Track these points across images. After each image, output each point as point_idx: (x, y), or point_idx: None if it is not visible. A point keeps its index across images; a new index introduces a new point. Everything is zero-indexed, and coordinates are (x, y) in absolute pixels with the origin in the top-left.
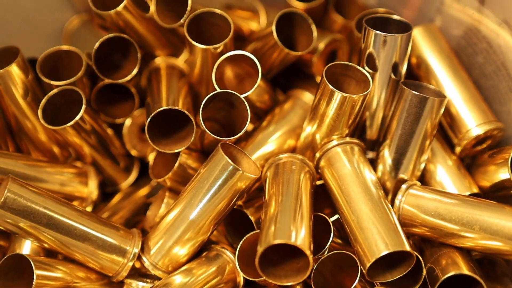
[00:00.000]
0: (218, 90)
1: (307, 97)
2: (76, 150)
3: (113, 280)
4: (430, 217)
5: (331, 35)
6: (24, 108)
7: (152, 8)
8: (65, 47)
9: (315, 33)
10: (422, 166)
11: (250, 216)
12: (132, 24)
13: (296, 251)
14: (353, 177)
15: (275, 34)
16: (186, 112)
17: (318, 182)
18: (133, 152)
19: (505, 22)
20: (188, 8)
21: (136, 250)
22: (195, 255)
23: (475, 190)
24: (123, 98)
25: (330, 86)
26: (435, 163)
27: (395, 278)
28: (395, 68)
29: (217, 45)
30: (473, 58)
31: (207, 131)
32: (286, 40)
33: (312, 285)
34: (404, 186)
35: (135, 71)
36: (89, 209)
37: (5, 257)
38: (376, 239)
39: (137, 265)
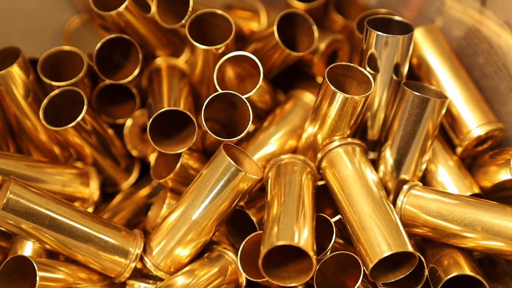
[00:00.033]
0: (220, 90)
1: (308, 97)
2: (77, 150)
3: (115, 281)
4: (432, 217)
5: (332, 36)
6: (25, 108)
7: (153, 8)
8: (66, 48)
9: (316, 34)
10: (424, 166)
11: (252, 217)
12: (133, 24)
13: (299, 252)
14: (355, 177)
15: (276, 35)
16: (188, 113)
17: (319, 183)
18: (134, 153)
19: (506, 23)
20: (190, 9)
21: (138, 251)
22: (197, 256)
23: (476, 190)
24: (124, 98)
25: (332, 87)
26: (436, 164)
27: (397, 279)
28: (397, 69)
29: (218, 46)
30: (473, 58)
31: (209, 132)
32: (287, 40)
33: (315, 286)
34: (405, 187)
35: (136, 72)
36: (90, 210)
37: (8, 259)
38: (378, 240)
39: (139, 265)
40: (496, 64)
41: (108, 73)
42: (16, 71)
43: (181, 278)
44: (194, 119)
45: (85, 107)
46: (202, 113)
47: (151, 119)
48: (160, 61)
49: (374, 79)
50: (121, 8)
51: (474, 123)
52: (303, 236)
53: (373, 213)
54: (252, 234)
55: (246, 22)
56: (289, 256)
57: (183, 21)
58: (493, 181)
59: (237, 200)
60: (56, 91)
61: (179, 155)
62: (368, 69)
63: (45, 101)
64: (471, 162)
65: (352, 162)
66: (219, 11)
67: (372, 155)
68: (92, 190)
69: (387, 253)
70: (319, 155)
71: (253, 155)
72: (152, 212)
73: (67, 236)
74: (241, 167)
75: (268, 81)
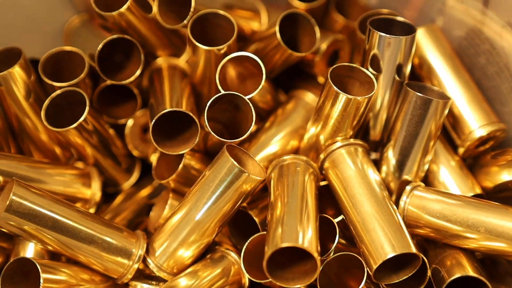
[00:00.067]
0: (222, 91)
1: (310, 97)
2: (78, 150)
3: (118, 282)
4: (435, 218)
5: (333, 36)
6: (26, 109)
7: (155, 9)
8: (67, 48)
9: (318, 34)
10: (426, 167)
11: (254, 218)
12: (134, 24)
13: (303, 253)
14: (358, 178)
15: (278, 35)
16: (191, 114)
17: (321, 183)
18: (135, 153)
19: (509, 24)
20: (191, 9)
21: (141, 252)
22: (199, 257)
23: (478, 190)
24: (125, 98)
25: (335, 88)
26: (438, 164)
27: (400, 280)
28: (399, 69)
29: (221, 47)
30: (475, 59)
31: (212, 133)
32: (288, 40)
33: (318, 287)
34: (408, 188)
35: (138, 72)
36: (92, 210)
37: (11, 261)
38: (382, 241)
39: (141, 266)
40: (498, 65)
41: (110, 74)
42: (17, 72)
43: (184, 279)
44: (197, 120)
45: (87, 108)
46: (205, 114)
47: (153, 121)
48: (161, 61)
49: (377, 79)
50: (123, 8)
51: (476, 124)
52: (307, 238)
53: (376, 214)
54: (255, 235)
55: (247, 22)
56: (293, 257)
57: (185, 22)
58: (495, 182)
59: (240, 201)
60: (58, 92)
61: (181, 155)
62: (370, 69)
63: (46, 102)
64: (472, 162)
65: (355, 163)
66: (221, 12)
67: (374, 156)
68: (94, 191)
69: (391, 255)
70: (322, 156)
71: (255, 156)
72: (154, 212)
73: (70, 238)
74: (244, 168)
75: (269, 81)
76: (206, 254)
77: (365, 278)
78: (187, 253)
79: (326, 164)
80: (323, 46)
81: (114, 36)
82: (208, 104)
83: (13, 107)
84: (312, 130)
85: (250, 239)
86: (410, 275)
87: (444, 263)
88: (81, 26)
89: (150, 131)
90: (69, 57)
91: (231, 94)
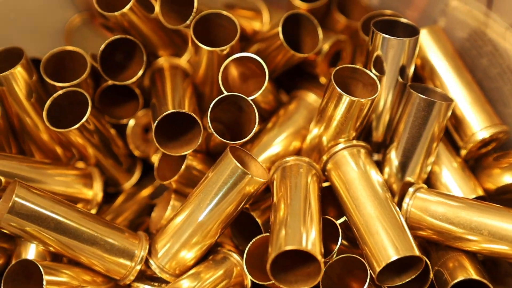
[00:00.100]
0: (225, 92)
1: (312, 98)
2: (79, 150)
3: (120, 283)
4: (438, 221)
5: (335, 36)
6: (28, 109)
7: (157, 9)
8: (69, 48)
9: (321, 35)
10: (429, 168)
11: (257, 219)
12: (136, 25)
13: (306, 255)
14: (361, 180)
15: (281, 36)
16: (194, 115)
17: (323, 184)
18: (136, 153)
19: None
20: (194, 9)
21: (144, 253)
22: (202, 258)
23: (480, 192)
24: (126, 98)
25: (339, 90)
26: (440, 165)
27: (403, 282)
28: (402, 71)
29: (223, 48)
30: (477, 60)
31: (215, 134)
32: (290, 41)
33: None
34: (411, 190)
35: (140, 73)
36: (94, 211)
37: (13, 263)
38: (386, 244)
39: (142, 267)
40: (500, 67)
41: (111, 73)
42: (19, 72)
43: (187, 281)
44: (200, 122)
45: (89, 109)
46: (208, 115)
47: (156, 122)
48: (163, 60)
49: (380, 81)
50: (126, 9)
51: (478, 126)
52: (310, 240)
53: (380, 216)
54: (258, 237)
55: (249, 22)
56: (296, 258)
57: (188, 22)
58: (497, 184)
59: (243, 203)
60: (60, 92)
61: (184, 156)
62: (373, 71)
63: (48, 102)
64: (474, 163)
65: (357, 165)
66: (224, 12)
67: (376, 157)
68: (96, 191)
69: (395, 258)
70: (325, 157)
71: (258, 157)
72: (155, 213)
73: (72, 239)
74: (247, 170)
75: (271, 81)
76: (208, 255)
77: (368, 280)
78: (189, 255)
79: (329, 166)
80: (326, 46)
81: (117, 37)
82: (211, 105)
83: (14, 107)
84: (314, 131)
85: (252, 241)
86: (412, 277)
87: (446, 265)
88: (82, 25)
89: (153, 132)
90: (70, 56)
91: (235, 95)
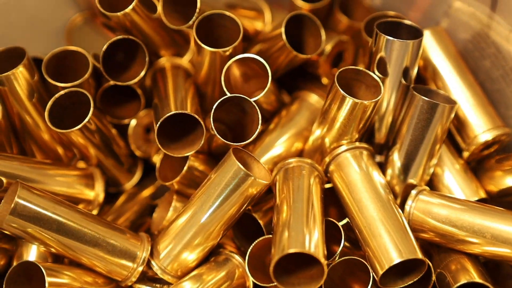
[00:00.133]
0: (228, 93)
1: (313, 98)
2: (81, 150)
3: (121, 285)
4: (441, 223)
5: (337, 37)
6: (29, 109)
7: (159, 9)
8: (71, 48)
9: (323, 36)
10: (431, 170)
11: (259, 220)
12: (139, 25)
13: (309, 257)
14: (363, 182)
15: (284, 36)
16: (197, 117)
17: (325, 186)
18: (138, 153)
19: None
20: (197, 10)
21: (146, 255)
22: (204, 260)
23: (483, 194)
24: (128, 98)
25: (342, 92)
26: (442, 167)
27: (406, 285)
28: (406, 73)
29: (226, 49)
30: (480, 62)
31: (218, 136)
32: (292, 41)
33: None
34: (414, 192)
35: (142, 73)
36: (95, 212)
37: (15, 265)
38: (389, 247)
39: (144, 268)
40: (503, 69)
41: (113, 73)
42: (21, 72)
43: (189, 282)
44: (202, 123)
45: (91, 110)
46: (211, 116)
47: (158, 123)
48: (164, 60)
49: (383, 83)
50: (128, 9)
51: (481, 128)
52: (313, 243)
53: (382, 218)
54: (260, 239)
55: (250, 22)
56: (298, 260)
57: (190, 22)
58: (499, 186)
59: (245, 205)
60: (62, 93)
61: (186, 157)
62: (377, 72)
63: (50, 103)
64: (476, 165)
65: (360, 167)
66: (227, 13)
67: (378, 158)
68: (97, 192)
69: (398, 260)
70: (327, 159)
71: (260, 158)
72: (157, 214)
73: (74, 241)
74: (250, 172)
75: (273, 81)
76: (210, 256)
77: (370, 283)
78: (191, 256)
79: (331, 167)
80: (328, 47)
81: (119, 37)
82: (214, 107)
83: (15, 107)
84: (317, 132)
85: (254, 243)
86: (415, 280)
87: (449, 267)
88: (83, 25)
89: (155, 133)
90: (72, 56)
91: (238, 97)
